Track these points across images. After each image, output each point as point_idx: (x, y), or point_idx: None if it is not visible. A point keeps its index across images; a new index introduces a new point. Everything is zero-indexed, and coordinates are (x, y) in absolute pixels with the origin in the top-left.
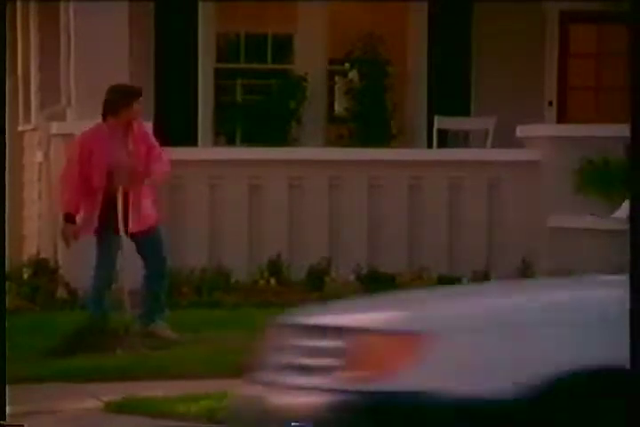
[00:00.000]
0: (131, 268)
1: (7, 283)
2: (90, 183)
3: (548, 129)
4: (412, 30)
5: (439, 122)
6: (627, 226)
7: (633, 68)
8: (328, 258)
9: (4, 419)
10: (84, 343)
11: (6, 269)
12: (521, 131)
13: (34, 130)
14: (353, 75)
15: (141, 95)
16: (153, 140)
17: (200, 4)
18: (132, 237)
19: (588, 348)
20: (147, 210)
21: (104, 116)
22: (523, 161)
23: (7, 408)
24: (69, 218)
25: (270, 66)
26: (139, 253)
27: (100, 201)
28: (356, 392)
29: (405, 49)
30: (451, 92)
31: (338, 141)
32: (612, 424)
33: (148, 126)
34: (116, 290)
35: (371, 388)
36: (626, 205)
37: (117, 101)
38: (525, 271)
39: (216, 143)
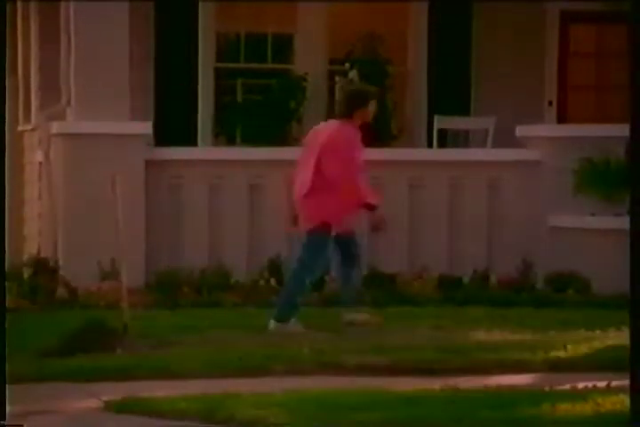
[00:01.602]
0: (132, 265)
1: (7, 283)
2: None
3: (548, 129)
4: (412, 30)
5: (439, 122)
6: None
7: (633, 68)
8: (328, 258)
9: (4, 419)
10: (84, 343)
11: (6, 269)
12: (521, 131)
13: (34, 130)
14: (353, 75)
15: (375, 97)
16: None
17: (200, 4)
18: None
19: None
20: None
21: (341, 117)
22: (523, 161)
23: (7, 408)
24: (373, 207)
25: (270, 66)
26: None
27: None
28: None
29: (405, 49)
30: (451, 92)
31: None
32: None
33: (148, 126)
34: (116, 288)
35: None
36: None
37: (353, 102)
38: (525, 271)
39: (216, 143)
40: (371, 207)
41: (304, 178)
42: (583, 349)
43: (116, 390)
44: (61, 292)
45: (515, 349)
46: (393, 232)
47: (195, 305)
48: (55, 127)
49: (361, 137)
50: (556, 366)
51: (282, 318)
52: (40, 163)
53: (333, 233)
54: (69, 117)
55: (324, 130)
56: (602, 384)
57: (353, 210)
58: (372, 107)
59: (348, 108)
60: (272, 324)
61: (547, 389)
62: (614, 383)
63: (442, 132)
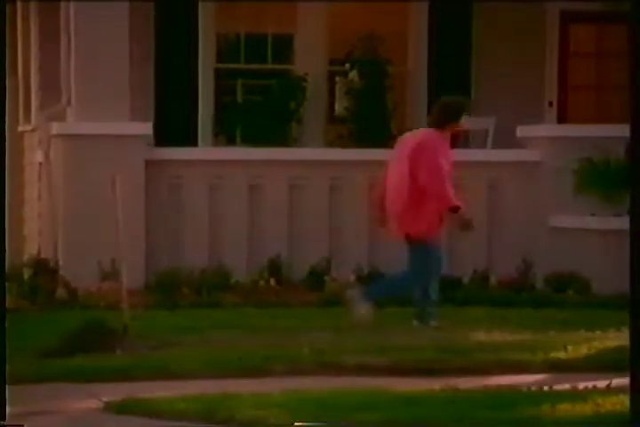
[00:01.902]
0: (132, 265)
1: (7, 283)
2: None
3: (548, 129)
4: (412, 30)
5: None
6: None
7: (633, 68)
8: (328, 258)
9: (4, 419)
10: (84, 344)
11: (6, 269)
12: (521, 131)
13: (34, 130)
14: (353, 75)
15: (467, 110)
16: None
17: (200, 4)
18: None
19: None
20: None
21: (432, 126)
22: (523, 161)
23: (7, 408)
24: (457, 209)
25: (270, 66)
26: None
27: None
28: None
29: (405, 49)
30: (451, 92)
31: (338, 142)
32: None
33: (148, 126)
34: (116, 288)
35: None
36: None
37: (446, 116)
38: (525, 271)
39: (216, 143)
40: (455, 210)
41: (398, 188)
42: (583, 349)
43: (116, 390)
44: (61, 292)
45: (515, 349)
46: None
47: (195, 305)
48: (55, 128)
49: (449, 144)
50: (556, 367)
51: (367, 296)
52: (40, 163)
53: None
54: (69, 118)
55: (413, 138)
56: (602, 385)
57: (444, 217)
58: (464, 119)
59: (440, 119)
60: (354, 291)
61: (547, 389)
62: (614, 384)
63: None
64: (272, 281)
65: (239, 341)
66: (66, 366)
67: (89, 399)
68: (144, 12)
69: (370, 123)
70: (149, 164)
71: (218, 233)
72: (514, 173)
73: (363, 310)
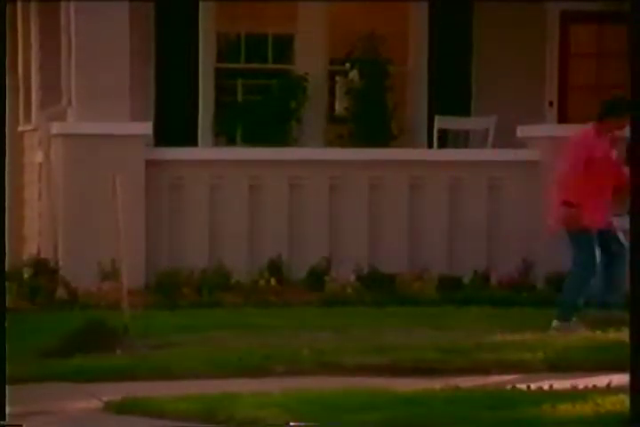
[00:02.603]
0: (132, 265)
1: (7, 283)
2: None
3: (549, 129)
4: (412, 30)
5: (439, 122)
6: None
7: (633, 68)
8: (328, 258)
9: (4, 419)
10: (84, 344)
11: (6, 269)
12: (521, 131)
13: (34, 130)
14: (353, 75)
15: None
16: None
17: (200, 4)
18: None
19: None
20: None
21: (596, 119)
22: (523, 161)
23: (7, 408)
24: (570, 204)
25: (270, 66)
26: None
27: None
28: None
29: (406, 49)
30: (451, 91)
31: (338, 141)
32: None
33: (149, 126)
34: (116, 288)
35: None
36: None
37: (604, 109)
38: (525, 271)
39: (216, 143)
40: (569, 205)
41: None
42: (583, 349)
43: (116, 390)
44: (61, 292)
45: (515, 349)
46: (393, 232)
47: (195, 305)
48: (55, 128)
49: (607, 143)
50: (556, 366)
51: (563, 318)
52: (40, 163)
53: (594, 231)
54: (70, 118)
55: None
56: (602, 384)
57: (606, 207)
58: (625, 117)
59: (602, 112)
60: (554, 323)
61: (547, 389)
62: (614, 383)
63: (442, 133)
64: (272, 281)
65: (239, 340)
66: (66, 366)
67: (89, 399)
68: (144, 11)
69: (370, 123)
70: (149, 164)
71: (218, 233)
72: (514, 173)
73: (574, 327)
